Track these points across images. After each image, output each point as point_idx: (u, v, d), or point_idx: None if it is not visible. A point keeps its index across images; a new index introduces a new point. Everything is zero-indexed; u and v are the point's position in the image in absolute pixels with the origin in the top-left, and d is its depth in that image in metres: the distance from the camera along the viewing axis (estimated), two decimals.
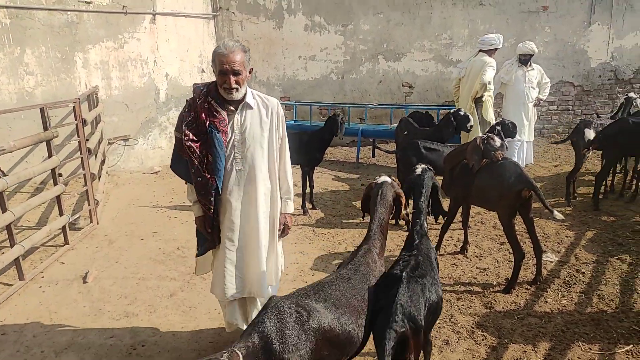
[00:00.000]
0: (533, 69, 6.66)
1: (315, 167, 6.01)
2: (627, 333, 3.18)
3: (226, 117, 2.63)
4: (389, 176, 2.72)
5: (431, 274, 2.38)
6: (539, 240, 3.89)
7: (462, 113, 5.65)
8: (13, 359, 3.06)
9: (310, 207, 5.85)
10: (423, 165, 2.95)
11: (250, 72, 2.65)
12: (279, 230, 2.90)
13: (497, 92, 6.87)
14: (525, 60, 6.57)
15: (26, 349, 3.17)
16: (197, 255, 2.92)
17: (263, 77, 9.86)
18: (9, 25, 6.24)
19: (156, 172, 7.59)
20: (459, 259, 4.38)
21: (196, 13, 8.94)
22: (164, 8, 7.93)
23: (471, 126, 5.68)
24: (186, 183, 2.80)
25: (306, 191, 5.84)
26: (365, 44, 9.35)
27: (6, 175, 4.24)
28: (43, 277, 4.19)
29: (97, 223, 5.37)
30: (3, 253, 4.05)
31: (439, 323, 3.33)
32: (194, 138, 2.61)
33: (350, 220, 5.46)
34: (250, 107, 2.69)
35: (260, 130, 2.70)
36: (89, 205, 5.33)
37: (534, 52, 6.49)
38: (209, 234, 2.78)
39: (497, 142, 3.94)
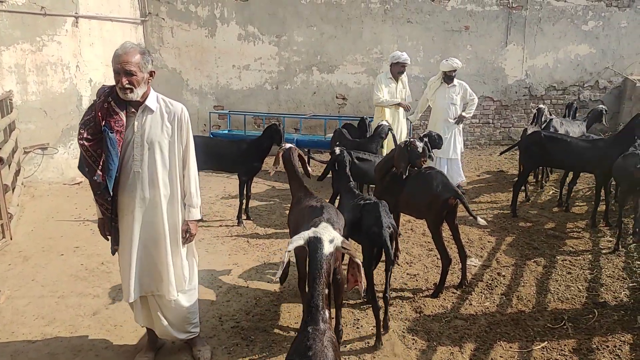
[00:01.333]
0: (455, 86, 6.52)
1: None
2: (543, 331, 3.43)
3: (124, 118, 2.66)
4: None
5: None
6: (464, 246, 4.11)
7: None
8: None
9: (245, 217, 5.76)
10: (340, 147, 4.35)
11: (151, 75, 2.67)
12: (183, 237, 2.90)
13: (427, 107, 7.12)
14: (449, 77, 6.45)
15: None
16: (112, 254, 2.93)
17: (195, 85, 9.64)
18: None
19: (78, 183, 7.13)
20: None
21: (123, 17, 8.58)
22: (87, 11, 7.53)
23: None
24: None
25: (243, 200, 5.72)
26: (300, 55, 9.45)
27: None
28: None
29: (11, 238, 4.94)
30: None
31: (372, 329, 3.40)
32: (89, 137, 2.64)
33: (285, 230, 5.44)
34: (152, 111, 2.72)
35: (160, 134, 2.73)
36: (1, 219, 4.89)
37: (456, 67, 6.41)
38: (107, 236, 2.81)
39: (420, 146, 4.11)
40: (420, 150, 4.09)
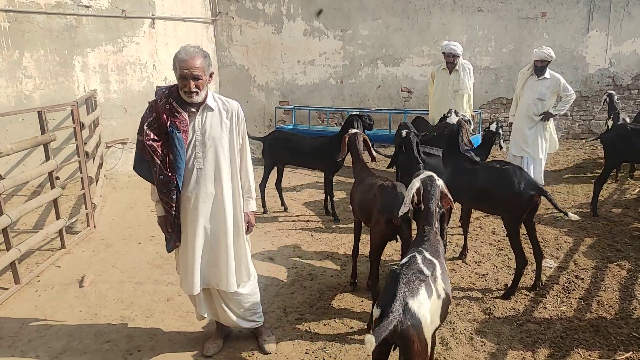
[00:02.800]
0: (546, 79, 5.83)
1: (315, 172, 5.99)
2: (627, 340, 3.16)
3: (187, 118, 2.74)
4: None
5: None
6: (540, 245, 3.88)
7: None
8: None
9: (325, 213, 5.79)
10: (406, 129, 4.59)
11: (210, 77, 2.75)
12: (245, 228, 3.00)
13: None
14: (539, 68, 5.79)
15: (21, 354, 3.13)
16: (168, 251, 3.02)
17: (262, 81, 9.86)
18: (8, 29, 6.23)
19: None
20: (457, 265, 4.36)
21: (195, 17, 8.95)
22: (163, 12, 7.94)
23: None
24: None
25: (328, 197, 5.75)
26: (364, 49, 9.37)
27: (3, 179, 4.22)
28: (39, 280, 4.16)
29: (94, 227, 5.35)
30: None
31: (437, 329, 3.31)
32: (155, 138, 2.71)
33: (349, 225, 5.43)
34: (211, 109, 2.79)
35: (220, 132, 2.81)
36: (86, 208, 5.31)
37: (550, 58, 5.74)
38: (170, 233, 2.88)
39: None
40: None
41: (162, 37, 8.01)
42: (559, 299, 3.71)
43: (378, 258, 3.49)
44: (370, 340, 1.80)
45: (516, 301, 3.67)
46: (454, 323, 3.39)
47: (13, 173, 6.18)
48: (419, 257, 2.28)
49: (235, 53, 9.79)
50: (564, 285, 3.91)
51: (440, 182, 2.71)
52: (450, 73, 6.27)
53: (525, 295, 3.76)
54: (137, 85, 7.74)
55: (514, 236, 3.70)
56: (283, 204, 6.02)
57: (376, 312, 2.06)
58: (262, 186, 5.83)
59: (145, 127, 2.72)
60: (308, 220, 5.67)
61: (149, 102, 2.81)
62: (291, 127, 9.06)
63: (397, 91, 9.43)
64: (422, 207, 2.65)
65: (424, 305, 2.04)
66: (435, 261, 2.34)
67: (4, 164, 6.12)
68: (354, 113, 5.73)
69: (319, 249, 4.82)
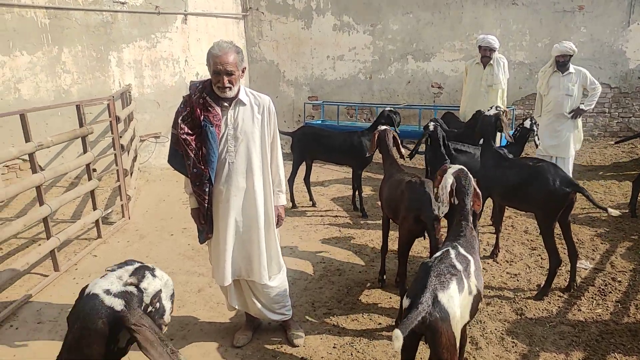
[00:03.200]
0: (571, 73, 5.55)
1: (343, 168, 6.00)
2: None
3: (220, 112, 2.78)
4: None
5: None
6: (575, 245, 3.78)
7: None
8: (48, 347, 3.16)
9: (353, 209, 5.83)
10: (434, 123, 4.60)
11: (243, 72, 2.79)
12: (275, 222, 3.05)
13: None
14: (562, 63, 5.53)
15: (60, 338, 3.24)
16: (200, 243, 3.10)
17: (291, 76, 9.91)
18: (48, 25, 6.45)
19: None
20: (488, 264, 4.29)
21: (226, 13, 9.06)
22: (195, 8, 8.06)
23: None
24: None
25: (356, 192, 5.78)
26: (394, 43, 9.28)
27: (43, 170, 4.38)
28: (77, 269, 4.31)
29: (129, 218, 5.50)
30: (40, 245, 4.18)
31: (468, 326, 3.27)
32: (189, 131, 2.76)
33: (377, 222, 5.42)
34: (243, 104, 2.83)
35: (252, 126, 2.84)
36: (121, 200, 5.46)
37: (572, 52, 5.48)
38: (202, 225, 2.94)
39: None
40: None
41: (194, 33, 8.13)
42: (595, 301, 3.61)
43: (406, 255, 3.47)
44: (397, 335, 1.80)
45: (549, 302, 3.59)
46: (484, 323, 3.34)
47: (52, 165, 6.42)
48: (452, 252, 2.28)
49: (265, 48, 9.86)
50: (599, 288, 3.80)
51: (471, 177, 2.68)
52: (484, 67, 6.14)
53: (559, 296, 3.67)
54: (169, 80, 7.90)
55: (548, 235, 3.62)
56: (311, 199, 6.05)
57: (405, 302, 2.06)
58: (291, 181, 5.87)
59: (179, 120, 2.79)
60: (336, 216, 5.68)
61: (183, 97, 2.87)
62: (320, 122, 9.07)
63: (427, 87, 9.31)
64: (456, 202, 2.62)
65: (454, 299, 2.04)
66: (470, 257, 2.32)
67: (44, 156, 6.35)
68: (387, 109, 5.72)
69: (347, 244, 4.82)
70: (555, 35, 8.39)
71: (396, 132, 5.78)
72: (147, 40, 7.53)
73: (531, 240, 4.71)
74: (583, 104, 5.62)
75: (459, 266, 2.20)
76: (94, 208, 4.88)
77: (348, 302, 3.70)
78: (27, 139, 3.90)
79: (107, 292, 1.27)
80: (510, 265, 4.26)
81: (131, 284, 1.36)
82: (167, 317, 1.56)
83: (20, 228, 3.82)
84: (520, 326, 3.30)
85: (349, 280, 4.04)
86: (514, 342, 3.13)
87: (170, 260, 4.46)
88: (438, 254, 2.29)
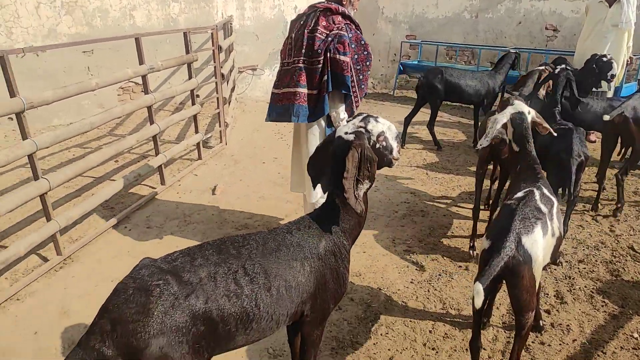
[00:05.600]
0: None
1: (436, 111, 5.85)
2: None
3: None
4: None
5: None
6: None
7: (605, 59, 4.76)
8: (155, 248, 3.58)
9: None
10: (564, 65, 4.30)
11: None
12: None
13: None
14: None
15: (166, 242, 3.67)
16: None
17: (390, 13, 9.50)
18: None
19: None
20: (586, 221, 4.02)
21: None
22: None
23: (613, 75, 4.74)
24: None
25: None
26: None
27: (153, 92, 4.74)
28: (180, 185, 4.73)
29: (226, 144, 5.85)
30: (149, 160, 4.62)
31: (555, 281, 3.15)
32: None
33: (469, 168, 5.25)
34: None
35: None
36: (219, 126, 5.79)
37: None
38: None
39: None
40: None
41: None
42: None
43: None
44: (478, 291, 1.77)
45: None
46: (573, 279, 3.19)
47: (161, 89, 6.91)
48: (537, 193, 2.18)
49: None
50: None
51: (531, 114, 2.50)
52: (610, 6, 5.40)
53: None
54: (269, 13, 7.96)
55: None
56: (437, 142, 5.96)
57: (485, 244, 2.03)
58: (408, 120, 6.00)
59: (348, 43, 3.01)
60: (424, 158, 5.58)
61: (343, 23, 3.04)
62: (416, 62, 8.72)
63: (540, 28, 8.45)
64: (517, 149, 2.49)
65: (538, 243, 1.97)
66: (553, 198, 2.23)
67: (153, 81, 6.85)
68: (512, 49, 6.15)
69: (433, 187, 4.76)
70: None
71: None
72: None
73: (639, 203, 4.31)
74: None
75: (544, 209, 2.11)
76: (196, 131, 5.24)
77: (429, 242, 3.71)
78: (141, 61, 4.22)
79: (346, 133, 1.84)
80: (612, 225, 3.95)
81: (360, 127, 1.85)
82: (395, 154, 1.94)
83: (133, 143, 4.23)
84: (614, 287, 3.11)
85: (433, 222, 4.03)
86: (604, 302, 2.96)
87: (261, 185, 4.72)
88: (520, 194, 2.19)
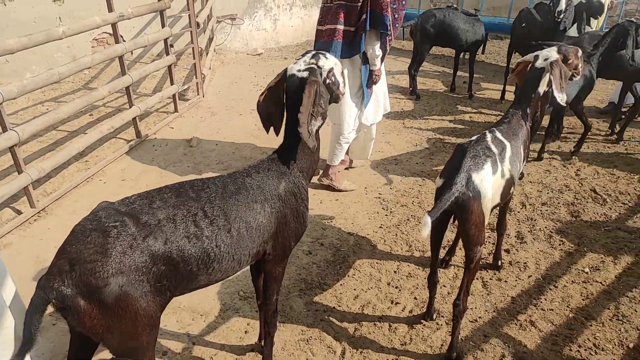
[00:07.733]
0: None
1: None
2: None
3: None
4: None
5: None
6: None
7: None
8: None
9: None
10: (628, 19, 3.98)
11: None
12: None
13: None
14: None
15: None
16: None
17: None
18: None
19: (259, 54, 7.78)
20: (554, 166, 4.12)
21: None
22: None
23: (559, 12, 4.86)
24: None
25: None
26: None
27: (125, 42, 4.64)
28: (155, 137, 4.73)
29: (203, 96, 5.79)
30: (124, 113, 4.57)
31: (518, 222, 3.28)
32: None
33: (444, 117, 5.28)
34: None
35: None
36: (196, 78, 5.71)
37: None
38: None
39: None
40: None
41: None
42: None
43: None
44: (426, 222, 1.86)
45: (610, 208, 3.45)
46: (535, 220, 3.32)
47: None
48: (489, 136, 2.27)
49: None
50: None
51: (554, 55, 2.49)
52: None
53: (623, 203, 3.50)
54: None
55: None
56: (416, 92, 5.98)
57: (438, 182, 2.12)
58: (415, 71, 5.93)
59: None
60: (402, 108, 5.58)
61: None
62: None
63: None
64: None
65: (487, 180, 2.06)
66: (507, 142, 2.29)
67: (127, 32, 6.66)
68: None
69: (408, 136, 4.81)
70: None
71: None
72: None
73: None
74: None
75: (494, 149, 2.18)
76: (172, 83, 5.17)
77: (400, 189, 3.79)
78: (110, 9, 4.11)
79: (299, 70, 1.87)
80: (579, 170, 4.06)
81: (311, 63, 1.90)
82: (341, 89, 2.00)
83: (105, 94, 4.17)
84: (573, 227, 3.24)
85: (405, 170, 4.10)
86: (561, 241, 3.10)
87: (237, 137, 4.73)
88: (474, 137, 2.26)
